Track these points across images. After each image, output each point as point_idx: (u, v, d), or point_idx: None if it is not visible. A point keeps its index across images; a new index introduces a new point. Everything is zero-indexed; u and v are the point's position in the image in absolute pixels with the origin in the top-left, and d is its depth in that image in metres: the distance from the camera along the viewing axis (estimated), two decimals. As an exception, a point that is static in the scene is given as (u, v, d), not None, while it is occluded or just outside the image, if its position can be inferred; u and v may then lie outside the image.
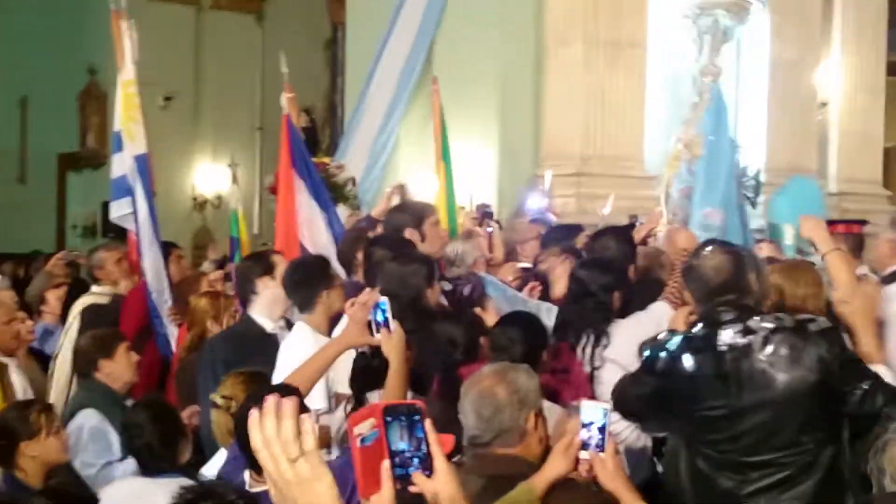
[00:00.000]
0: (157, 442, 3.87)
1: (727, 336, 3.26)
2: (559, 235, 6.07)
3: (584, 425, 2.87)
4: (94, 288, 6.49)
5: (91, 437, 4.48)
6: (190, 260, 12.34)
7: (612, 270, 4.74)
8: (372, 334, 3.58)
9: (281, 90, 16.18)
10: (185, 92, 15.80)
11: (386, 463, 1.79)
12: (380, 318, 3.55)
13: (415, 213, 5.20)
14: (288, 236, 6.18)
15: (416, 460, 1.83)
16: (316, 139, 16.02)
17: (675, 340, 3.40)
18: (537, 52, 9.41)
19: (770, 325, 3.25)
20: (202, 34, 16.44)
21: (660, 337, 3.53)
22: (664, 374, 3.37)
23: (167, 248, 6.57)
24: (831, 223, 7.42)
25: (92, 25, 15.74)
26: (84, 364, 4.88)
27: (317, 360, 3.72)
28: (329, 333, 4.22)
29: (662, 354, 3.39)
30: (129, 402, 4.70)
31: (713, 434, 3.24)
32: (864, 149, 10.88)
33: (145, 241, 6.18)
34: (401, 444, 1.81)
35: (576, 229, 6.30)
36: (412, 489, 1.85)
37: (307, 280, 4.41)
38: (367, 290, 3.85)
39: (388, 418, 1.80)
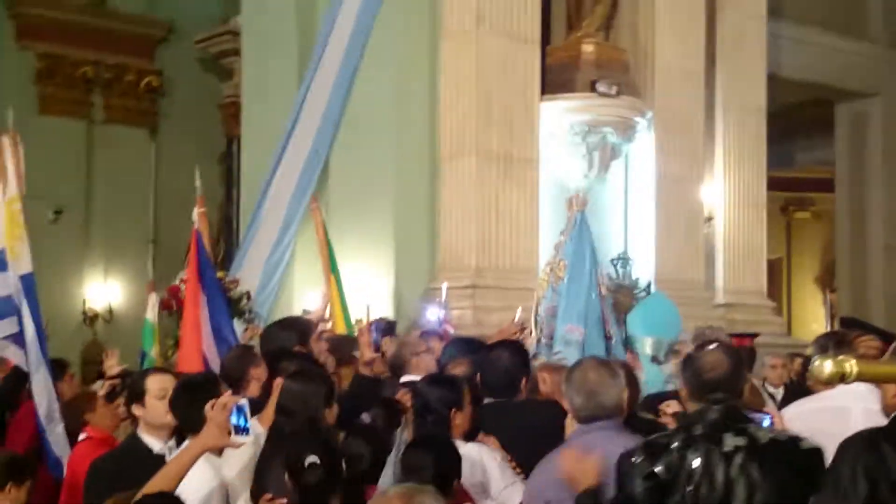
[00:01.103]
0: None
1: (729, 438, 3.32)
2: (459, 349, 6.06)
3: None
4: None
5: None
6: (79, 375, 11.99)
7: (455, 386, 4.67)
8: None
9: (175, 204, 16.09)
10: (75, 205, 15.55)
11: None
12: (240, 421, 3.51)
13: (300, 329, 5.30)
14: (191, 351, 6.11)
15: None
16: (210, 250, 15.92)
17: (676, 439, 3.41)
18: (431, 164, 9.54)
19: (767, 434, 3.37)
20: (94, 147, 16.25)
21: (652, 440, 3.53)
22: (669, 472, 3.37)
23: (58, 367, 6.42)
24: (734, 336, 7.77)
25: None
26: None
27: (174, 465, 3.65)
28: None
29: (664, 459, 3.38)
30: None
31: None
32: (748, 261, 11.20)
33: (33, 361, 6.01)
34: None
35: (475, 343, 6.32)
36: None
37: (193, 400, 4.29)
38: (228, 392, 3.81)
39: None
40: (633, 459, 3.46)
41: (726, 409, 3.43)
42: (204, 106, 16.34)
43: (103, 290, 16.53)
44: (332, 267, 7.28)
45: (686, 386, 3.59)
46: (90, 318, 16.42)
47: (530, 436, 4.58)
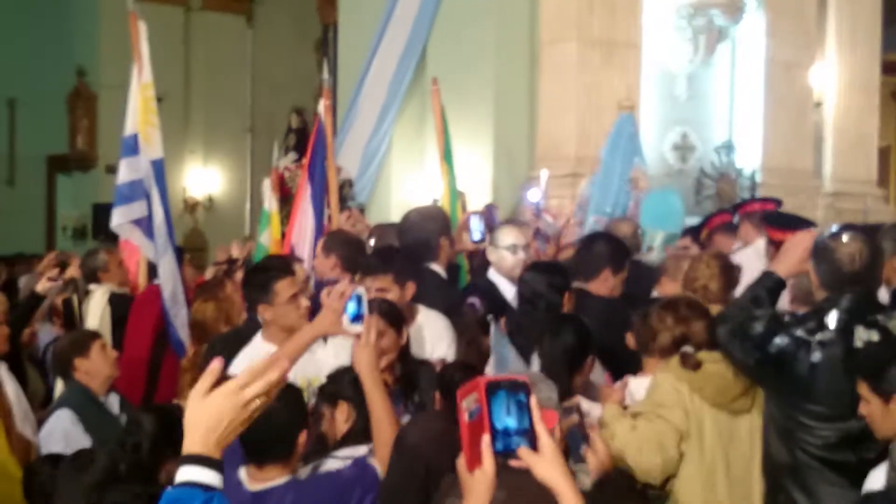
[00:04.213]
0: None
1: (861, 332, 3.25)
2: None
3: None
4: (98, 287, 6.47)
5: (63, 439, 4.43)
6: (182, 260, 12.29)
7: (559, 271, 4.82)
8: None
9: (272, 91, 16.14)
10: (174, 93, 15.68)
11: (486, 438, 1.79)
12: (355, 310, 3.47)
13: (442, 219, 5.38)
14: (291, 235, 6.25)
15: (519, 436, 1.82)
16: (308, 140, 15.98)
17: (802, 327, 3.36)
18: (531, 51, 9.36)
19: None
20: (192, 35, 16.34)
21: (782, 317, 3.47)
22: (782, 356, 3.35)
23: (180, 253, 6.55)
24: (748, 202, 7.73)
25: (81, 27, 15.69)
26: (61, 365, 4.86)
27: (288, 348, 3.64)
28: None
29: (784, 339, 3.36)
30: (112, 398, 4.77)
31: (821, 431, 3.31)
32: (858, 148, 10.85)
33: (161, 245, 6.11)
34: (505, 419, 1.81)
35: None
36: (515, 463, 1.85)
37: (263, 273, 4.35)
38: (345, 280, 3.74)
39: (491, 393, 1.80)
40: (753, 325, 3.41)
41: (860, 300, 3.32)
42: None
43: (203, 178, 16.78)
44: (446, 154, 7.19)
45: (819, 275, 3.48)
46: (190, 206, 16.72)
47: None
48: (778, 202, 8.06)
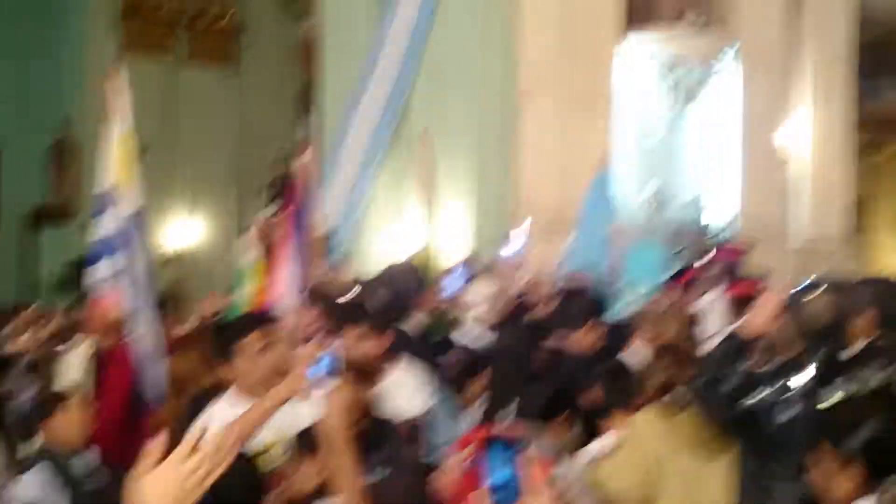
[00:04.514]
0: None
1: (833, 388, 3.33)
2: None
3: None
4: (79, 341, 6.47)
5: (40, 490, 4.43)
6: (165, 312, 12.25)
7: (534, 326, 4.86)
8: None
9: (256, 142, 16.17)
10: (160, 144, 15.77)
11: (483, 491, 1.82)
12: (324, 370, 3.48)
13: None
14: (273, 290, 6.25)
15: (514, 489, 1.84)
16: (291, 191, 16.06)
17: (775, 383, 3.42)
18: (511, 101, 9.50)
19: (873, 380, 3.36)
20: (177, 87, 16.46)
21: (754, 373, 3.52)
22: (754, 414, 3.41)
23: (160, 306, 6.53)
24: (713, 251, 7.94)
25: (67, 77, 15.78)
26: (30, 424, 4.83)
27: (251, 414, 3.59)
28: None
29: (756, 395, 3.42)
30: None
31: (792, 488, 3.31)
32: (830, 202, 10.99)
33: (140, 299, 6.11)
34: (502, 471, 1.84)
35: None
36: None
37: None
38: (313, 342, 3.76)
39: (488, 447, 1.84)
40: (725, 382, 3.50)
41: (827, 358, 3.40)
42: (283, 46, 16.44)
43: (187, 229, 16.80)
44: (430, 207, 7.29)
45: (788, 331, 3.56)
46: (174, 257, 16.71)
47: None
48: (742, 252, 8.30)
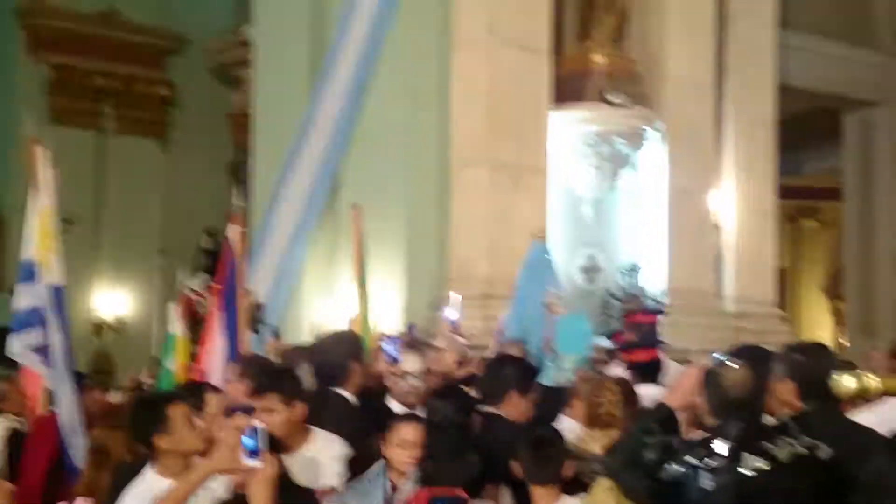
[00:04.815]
0: None
1: (749, 459, 3.31)
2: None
3: None
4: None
5: None
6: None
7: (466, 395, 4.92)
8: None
9: (184, 214, 16.09)
10: (85, 216, 15.60)
11: None
12: (252, 444, 3.39)
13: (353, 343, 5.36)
14: (204, 362, 6.18)
15: None
16: (219, 260, 15.95)
17: (692, 454, 3.41)
18: (442, 174, 9.57)
19: (788, 452, 3.35)
20: (104, 158, 16.33)
21: (671, 443, 3.51)
22: (673, 484, 3.38)
23: (80, 380, 6.44)
24: (632, 313, 8.08)
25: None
26: None
27: (178, 489, 3.52)
28: None
29: (675, 466, 3.40)
30: None
31: None
32: (757, 269, 11.19)
33: (60, 373, 6.01)
34: None
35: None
36: None
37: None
38: (242, 413, 3.71)
39: None
40: (644, 453, 3.51)
41: (747, 427, 3.43)
42: (214, 116, 16.43)
43: (112, 300, 16.58)
44: (362, 279, 7.26)
45: (708, 402, 3.58)
46: (98, 328, 16.47)
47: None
48: (659, 312, 8.47)
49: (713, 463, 3.35)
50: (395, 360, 6.14)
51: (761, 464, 3.31)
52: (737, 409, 3.44)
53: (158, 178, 16.71)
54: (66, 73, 15.94)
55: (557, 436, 4.35)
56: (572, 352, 7.53)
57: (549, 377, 7.13)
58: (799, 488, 3.31)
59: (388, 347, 6.27)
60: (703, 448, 3.43)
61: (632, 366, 6.73)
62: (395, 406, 5.50)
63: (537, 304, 7.98)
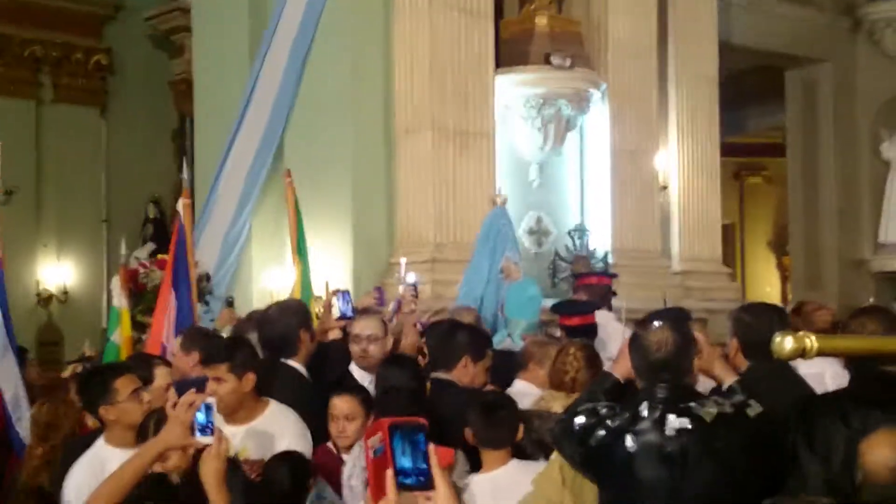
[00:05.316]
0: None
1: (673, 420, 3.34)
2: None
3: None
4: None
5: None
6: (36, 356, 11.90)
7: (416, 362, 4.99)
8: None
9: (127, 182, 15.91)
10: (26, 187, 15.34)
11: (389, 472, 1.94)
12: (203, 420, 3.37)
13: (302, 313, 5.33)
14: (158, 340, 6.14)
15: (417, 474, 1.97)
16: (165, 230, 15.79)
17: (618, 418, 3.45)
18: (387, 140, 9.53)
19: (713, 411, 3.38)
20: (43, 127, 16.05)
21: (600, 409, 3.55)
22: (601, 449, 3.44)
23: (22, 354, 6.39)
24: (585, 276, 8.19)
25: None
26: None
27: (128, 467, 3.46)
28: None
29: (601, 431, 3.44)
30: None
31: None
32: (703, 228, 11.30)
33: (0, 349, 5.97)
34: (403, 458, 1.96)
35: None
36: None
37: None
38: (193, 389, 3.67)
39: (393, 434, 1.96)
40: (575, 420, 3.54)
41: (671, 388, 3.46)
42: (155, 83, 16.20)
43: (57, 272, 16.37)
44: (300, 249, 7.20)
45: (633, 365, 3.62)
46: (44, 300, 16.26)
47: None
48: (612, 275, 8.53)
49: (638, 425, 3.39)
50: (344, 316, 6.15)
51: (684, 424, 3.35)
52: (660, 370, 3.48)
53: (100, 147, 16.46)
54: (2, 42, 15.60)
55: (508, 400, 4.39)
56: (521, 317, 7.58)
57: (499, 342, 7.18)
58: (721, 446, 3.36)
59: (340, 303, 6.26)
60: (630, 411, 3.47)
61: (567, 330, 6.79)
62: (358, 372, 5.50)
63: (494, 269, 8.03)
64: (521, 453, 4.24)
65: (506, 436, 4.15)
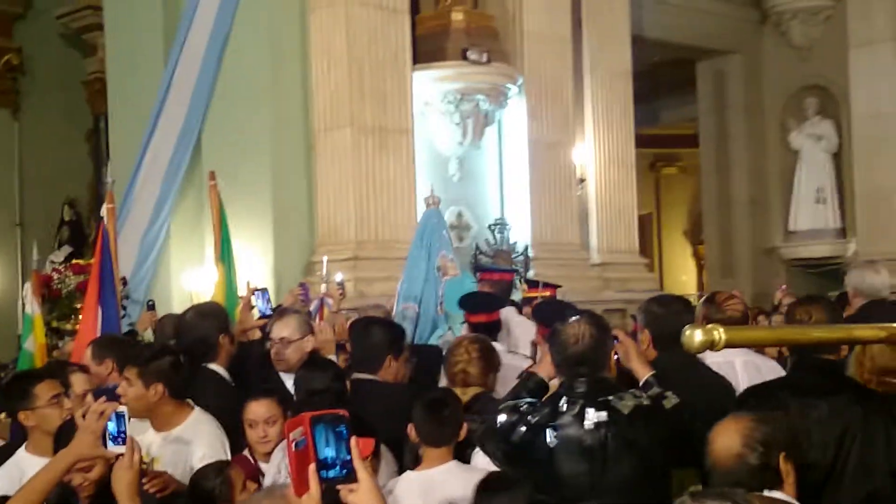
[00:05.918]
0: None
1: (591, 414, 3.40)
2: None
3: None
4: None
5: None
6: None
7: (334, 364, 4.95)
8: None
9: (41, 185, 15.58)
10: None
11: (312, 466, 1.97)
12: (115, 429, 3.29)
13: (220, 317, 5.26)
14: (83, 342, 6.04)
15: (339, 465, 2.01)
16: (82, 232, 15.52)
17: (538, 414, 3.49)
18: (307, 137, 9.51)
19: (631, 403, 3.45)
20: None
21: (521, 406, 3.58)
22: (522, 445, 3.47)
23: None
24: (486, 270, 8.58)
25: None
26: None
27: (39, 478, 3.35)
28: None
29: (522, 427, 3.48)
30: None
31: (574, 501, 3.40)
32: (620, 219, 11.49)
33: None
34: (326, 450, 1.99)
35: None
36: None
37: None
38: (103, 398, 3.57)
39: (315, 426, 1.99)
40: (497, 418, 3.59)
41: (590, 382, 3.52)
42: (68, 83, 15.88)
43: (-30, 277, 15.99)
44: (223, 253, 7.12)
45: (553, 361, 3.67)
46: (-44, 305, 15.86)
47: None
48: (514, 271, 8.92)
49: (558, 420, 3.45)
50: (264, 315, 6.11)
51: (602, 417, 3.42)
52: (577, 363, 3.53)
53: (12, 148, 16.10)
54: None
55: (453, 398, 4.35)
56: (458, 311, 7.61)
57: (440, 336, 7.23)
58: (638, 438, 3.43)
59: (259, 302, 6.22)
60: (549, 407, 3.52)
61: (472, 326, 6.84)
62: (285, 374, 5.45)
63: (430, 267, 8.08)
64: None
65: (448, 434, 4.13)
